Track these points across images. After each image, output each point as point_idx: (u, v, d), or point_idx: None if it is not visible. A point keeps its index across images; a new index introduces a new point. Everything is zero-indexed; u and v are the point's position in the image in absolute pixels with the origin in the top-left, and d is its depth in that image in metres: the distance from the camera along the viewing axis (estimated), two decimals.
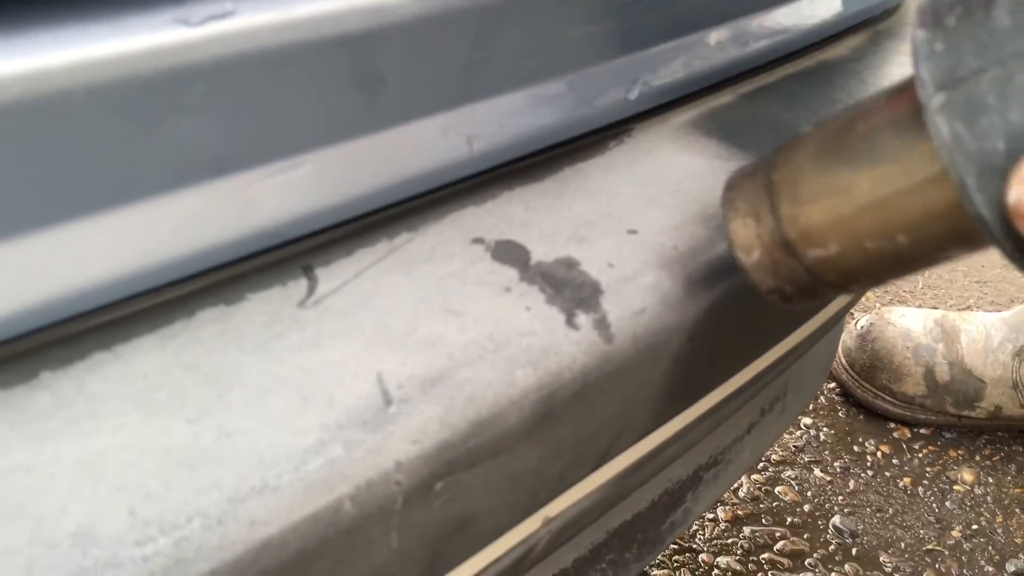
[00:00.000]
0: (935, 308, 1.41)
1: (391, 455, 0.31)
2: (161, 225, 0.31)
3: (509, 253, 0.38)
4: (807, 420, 1.28)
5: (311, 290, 0.35)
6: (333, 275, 0.35)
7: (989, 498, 1.20)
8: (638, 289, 0.39)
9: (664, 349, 0.40)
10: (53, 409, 0.28)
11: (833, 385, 1.34)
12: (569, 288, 0.37)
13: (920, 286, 1.57)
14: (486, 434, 0.33)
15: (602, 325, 0.37)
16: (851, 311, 1.42)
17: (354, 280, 0.35)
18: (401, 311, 0.35)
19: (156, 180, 0.30)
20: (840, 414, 1.30)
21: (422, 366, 0.33)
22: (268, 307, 0.34)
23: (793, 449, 1.24)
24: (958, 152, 0.30)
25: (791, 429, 1.27)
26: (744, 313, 0.46)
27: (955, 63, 0.31)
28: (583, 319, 0.37)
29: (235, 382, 0.31)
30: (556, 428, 0.37)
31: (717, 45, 0.49)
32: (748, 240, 0.38)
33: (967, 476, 1.22)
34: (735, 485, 1.17)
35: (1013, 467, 1.24)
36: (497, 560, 0.42)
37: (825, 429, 1.28)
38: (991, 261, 1.65)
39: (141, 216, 0.30)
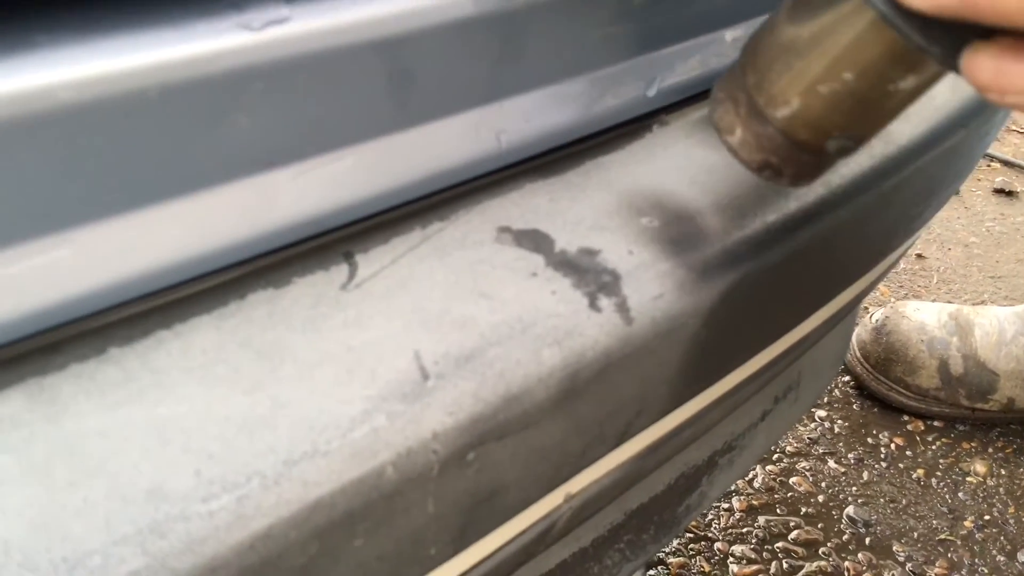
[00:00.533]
0: (950, 303, 1.42)
1: (429, 425, 0.33)
2: (216, 214, 0.34)
3: (535, 241, 0.41)
4: (821, 413, 1.30)
5: (352, 275, 0.37)
6: (372, 261, 0.38)
7: (1001, 489, 1.21)
8: (656, 275, 0.41)
9: (681, 332, 0.42)
10: (123, 381, 0.31)
11: (847, 379, 1.36)
12: (592, 274, 0.40)
13: (935, 281, 1.59)
14: (515, 408, 0.36)
15: (623, 308, 0.39)
16: (866, 305, 1.43)
17: (391, 266, 0.38)
18: (435, 294, 0.37)
19: (214, 173, 0.32)
20: (854, 407, 1.32)
21: (456, 344, 0.35)
22: (313, 290, 0.36)
23: (808, 441, 1.26)
24: None
25: (806, 421, 1.29)
26: (756, 300, 0.48)
27: None
28: (605, 302, 0.39)
29: (286, 357, 0.33)
30: (579, 405, 0.39)
31: (732, 43, 0.51)
32: (730, 121, 0.41)
33: (980, 468, 1.24)
34: (750, 475, 1.20)
35: None
36: (522, 533, 0.45)
37: (839, 421, 1.29)
38: (1006, 257, 1.66)
39: (199, 206, 0.33)
